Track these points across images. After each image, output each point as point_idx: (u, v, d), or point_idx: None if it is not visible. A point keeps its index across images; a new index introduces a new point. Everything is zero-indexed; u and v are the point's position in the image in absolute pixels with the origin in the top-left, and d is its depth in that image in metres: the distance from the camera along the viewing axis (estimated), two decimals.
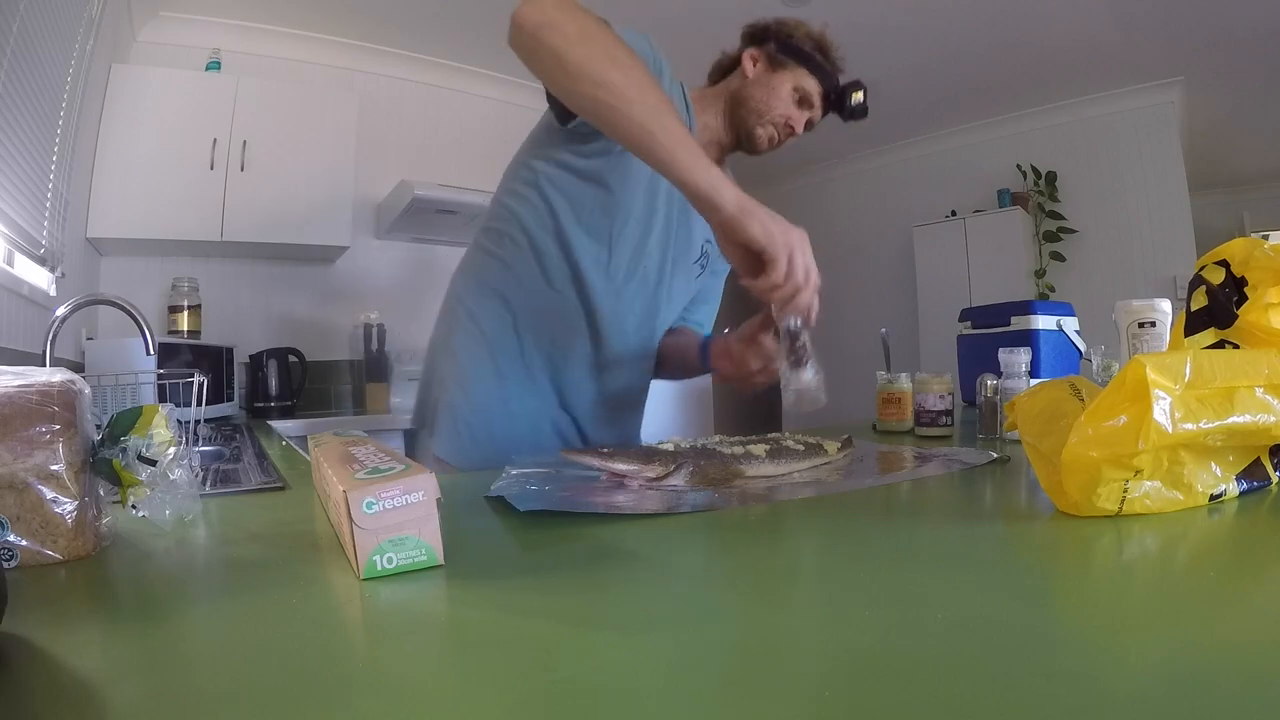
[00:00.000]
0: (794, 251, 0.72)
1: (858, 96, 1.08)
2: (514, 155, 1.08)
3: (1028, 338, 1.47)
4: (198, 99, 2.39)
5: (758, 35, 1.11)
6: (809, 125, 1.10)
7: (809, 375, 0.77)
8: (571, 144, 0.98)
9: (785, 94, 1.06)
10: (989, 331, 1.55)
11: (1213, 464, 0.53)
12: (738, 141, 1.10)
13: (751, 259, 0.73)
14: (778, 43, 1.09)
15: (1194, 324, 0.65)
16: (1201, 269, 0.66)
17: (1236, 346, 0.60)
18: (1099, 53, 3.15)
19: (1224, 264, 0.64)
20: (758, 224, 0.70)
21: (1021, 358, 1.02)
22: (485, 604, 0.39)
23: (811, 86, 1.07)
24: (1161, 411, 0.47)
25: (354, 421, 2.44)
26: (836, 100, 1.08)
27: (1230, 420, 0.49)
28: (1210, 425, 0.48)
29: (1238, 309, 0.60)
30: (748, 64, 1.08)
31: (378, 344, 2.87)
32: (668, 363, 1.16)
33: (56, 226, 1.77)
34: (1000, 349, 1.05)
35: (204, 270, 2.62)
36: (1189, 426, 0.48)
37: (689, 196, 0.72)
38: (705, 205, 0.71)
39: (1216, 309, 0.63)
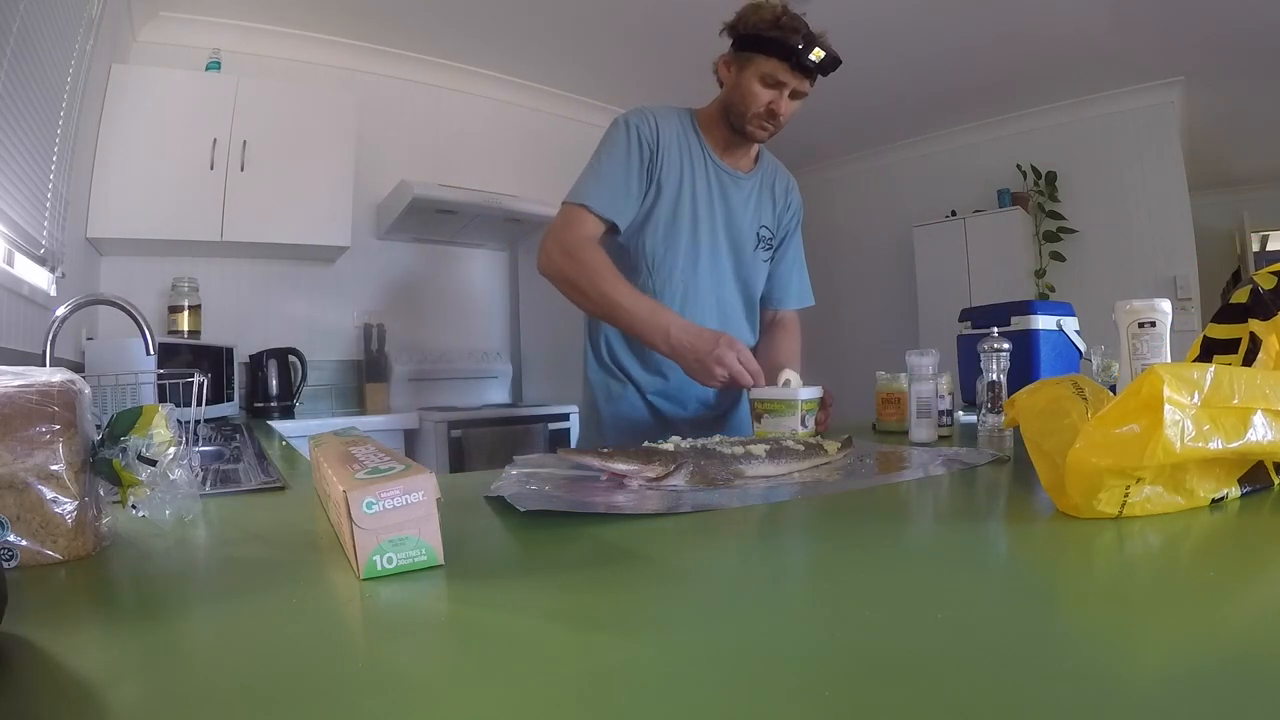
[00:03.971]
0: (714, 367, 1.05)
1: (817, 53, 1.12)
2: None
3: (1028, 338, 1.47)
4: (198, 99, 2.38)
5: (729, 35, 1.20)
6: (796, 96, 1.18)
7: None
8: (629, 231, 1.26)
9: (755, 88, 1.16)
10: (989, 331, 1.55)
11: (1216, 469, 0.53)
12: (740, 138, 1.25)
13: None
14: (735, 39, 1.18)
15: (1227, 314, 0.67)
16: (1250, 275, 0.69)
17: (1255, 345, 0.61)
18: (1099, 53, 3.15)
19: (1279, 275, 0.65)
20: (682, 364, 1.10)
21: (928, 360, 1.03)
22: (485, 604, 0.39)
23: (774, 68, 1.14)
24: (1172, 430, 0.46)
25: (354, 421, 2.44)
26: (801, 68, 1.13)
27: (1241, 443, 0.48)
28: (1219, 446, 0.48)
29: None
30: (722, 72, 1.23)
31: (378, 344, 2.86)
32: None
33: (56, 226, 1.77)
34: (908, 351, 1.06)
35: (204, 270, 2.62)
36: (1199, 446, 0.47)
37: (648, 345, 1.15)
38: (654, 348, 1.14)
39: (1257, 304, 0.64)
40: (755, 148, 1.32)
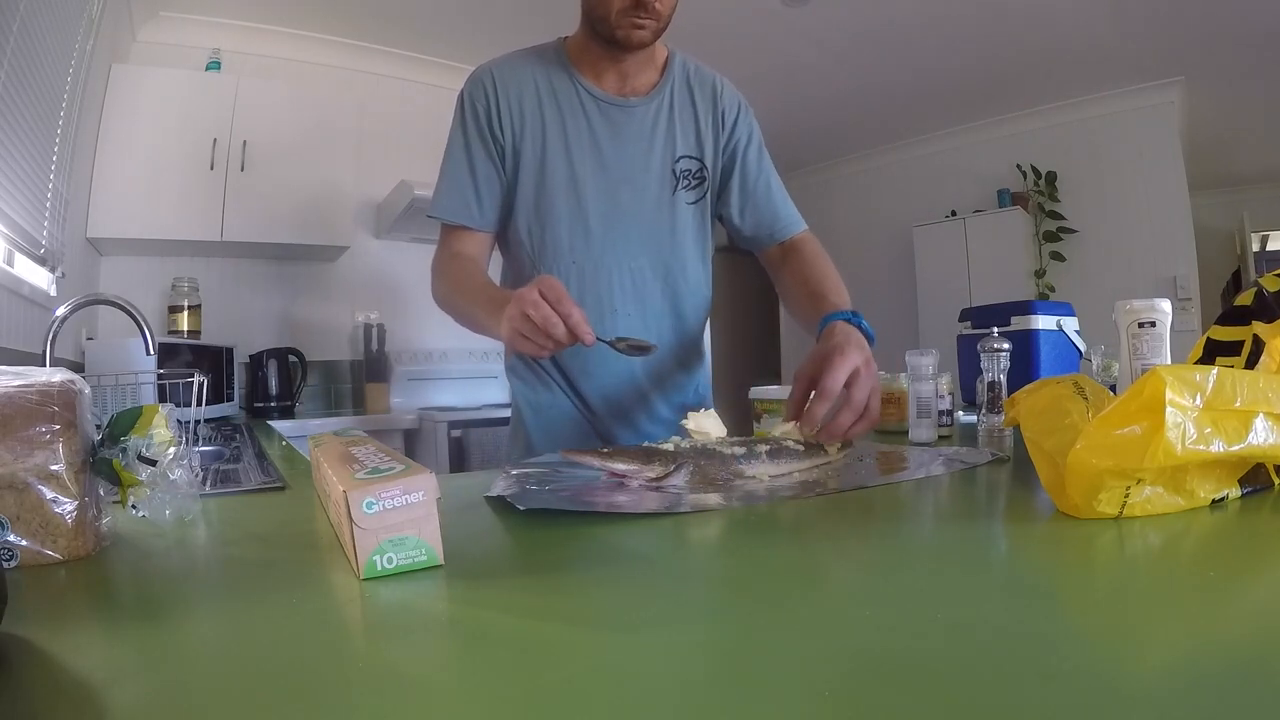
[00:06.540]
0: (525, 329, 0.76)
1: None
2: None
3: (1028, 338, 1.47)
4: (198, 99, 2.39)
5: None
6: None
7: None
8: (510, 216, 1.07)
9: None
10: (989, 331, 1.55)
11: (1216, 470, 0.53)
12: (617, 49, 0.99)
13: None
14: None
15: (1231, 316, 0.68)
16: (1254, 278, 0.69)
17: (1258, 347, 0.61)
18: (1099, 53, 3.15)
19: None
20: (509, 345, 0.81)
21: (928, 360, 1.01)
22: (485, 604, 0.39)
23: None
24: (1174, 433, 0.46)
25: (354, 421, 2.44)
26: None
27: (1242, 446, 0.48)
28: (1220, 449, 0.48)
29: None
30: None
31: (378, 344, 2.86)
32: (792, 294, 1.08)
33: (56, 226, 1.77)
34: (908, 351, 1.04)
35: (204, 270, 2.62)
36: (1200, 448, 0.47)
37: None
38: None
39: (1261, 308, 0.65)
40: (658, 60, 1.06)
